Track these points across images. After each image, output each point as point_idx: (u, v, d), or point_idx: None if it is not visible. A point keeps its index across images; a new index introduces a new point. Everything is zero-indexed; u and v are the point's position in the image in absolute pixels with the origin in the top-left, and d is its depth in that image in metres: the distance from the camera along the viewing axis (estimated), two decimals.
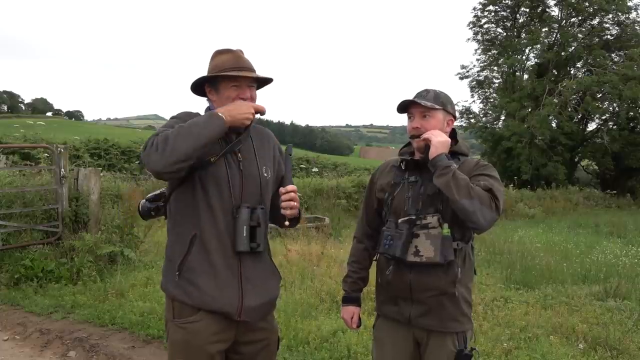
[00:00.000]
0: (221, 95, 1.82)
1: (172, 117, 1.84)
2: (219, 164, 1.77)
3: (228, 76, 1.79)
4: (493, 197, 1.80)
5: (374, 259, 2.17)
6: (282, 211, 1.79)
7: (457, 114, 1.82)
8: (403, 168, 2.03)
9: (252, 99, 1.84)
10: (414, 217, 1.90)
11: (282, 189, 1.80)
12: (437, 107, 1.95)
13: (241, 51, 1.87)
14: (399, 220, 1.94)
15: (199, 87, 1.90)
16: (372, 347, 2.16)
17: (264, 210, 1.82)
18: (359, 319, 2.20)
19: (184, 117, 1.76)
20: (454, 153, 1.97)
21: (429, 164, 1.87)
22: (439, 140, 1.87)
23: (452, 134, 2.03)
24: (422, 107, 1.95)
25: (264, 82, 1.92)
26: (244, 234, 1.75)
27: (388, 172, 2.11)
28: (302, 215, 1.95)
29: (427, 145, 1.91)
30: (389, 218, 2.00)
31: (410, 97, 2.00)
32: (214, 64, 1.84)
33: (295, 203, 1.80)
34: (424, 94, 1.98)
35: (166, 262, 1.86)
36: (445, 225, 1.87)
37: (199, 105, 6.14)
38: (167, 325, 1.84)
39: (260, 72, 1.87)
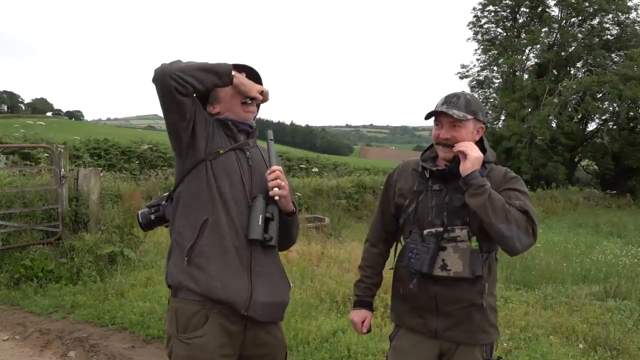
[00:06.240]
0: (222, 97, 1.83)
1: None
2: (228, 156, 1.77)
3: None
4: (530, 221, 1.71)
5: (390, 267, 2.06)
6: (270, 192, 1.74)
7: None
8: (427, 176, 1.90)
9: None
10: (441, 230, 1.80)
11: (267, 170, 1.77)
12: (469, 117, 1.82)
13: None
14: (425, 232, 1.83)
15: None
16: (388, 356, 2.03)
17: (278, 208, 1.77)
18: (369, 325, 2.09)
19: None
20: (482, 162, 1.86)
21: (461, 181, 1.76)
22: (475, 156, 1.75)
23: (480, 141, 1.91)
24: (453, 117, 1.81)
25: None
26: (259, 223, 1.70)
27: (409, 175, 1.97)
28: (296, 208, 1.90)
29: (455, 155, 1.80)
30: (412, 229, 1.89)
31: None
32: None
33: (283, 182, 1.74)
34: (454, 100, 1.83)
35: (174, 248, 1.78)
36: (474, 239, 1.78)
37: None
38: (171, 340, 1.75)
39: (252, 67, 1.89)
